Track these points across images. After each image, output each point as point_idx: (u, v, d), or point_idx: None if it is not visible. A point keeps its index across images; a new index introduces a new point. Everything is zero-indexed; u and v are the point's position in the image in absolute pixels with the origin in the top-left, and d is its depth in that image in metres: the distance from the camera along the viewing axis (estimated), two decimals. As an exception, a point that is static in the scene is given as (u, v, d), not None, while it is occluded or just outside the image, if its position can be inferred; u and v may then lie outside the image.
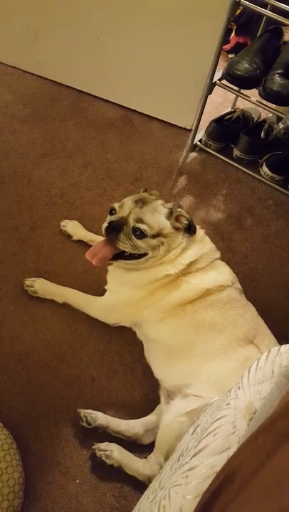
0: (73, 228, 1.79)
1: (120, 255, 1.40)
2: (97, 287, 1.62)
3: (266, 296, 1.79)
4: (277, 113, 2.07)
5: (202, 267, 1.42)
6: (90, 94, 2.38)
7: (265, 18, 2.01)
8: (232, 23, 2.78)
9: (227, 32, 1.95)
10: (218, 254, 1.49)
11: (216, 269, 1.44)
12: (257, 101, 2.05)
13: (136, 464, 1.29)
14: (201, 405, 1.11)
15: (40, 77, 2.41)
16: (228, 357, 1.30)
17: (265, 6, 1.85)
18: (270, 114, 2.31)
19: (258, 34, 2.09)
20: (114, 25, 2.14)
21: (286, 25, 1.82)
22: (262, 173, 2.18)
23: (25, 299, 1.59)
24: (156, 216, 1.39)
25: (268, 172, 2.15)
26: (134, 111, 2.36)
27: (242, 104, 2.40)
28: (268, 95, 1.88)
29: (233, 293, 1.41)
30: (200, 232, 1.49)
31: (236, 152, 2.22)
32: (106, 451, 1.29)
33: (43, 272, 1.67)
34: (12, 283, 1.63)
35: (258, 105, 2.10)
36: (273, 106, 2.01)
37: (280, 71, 1.89)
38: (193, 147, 2.26)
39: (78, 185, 1.99)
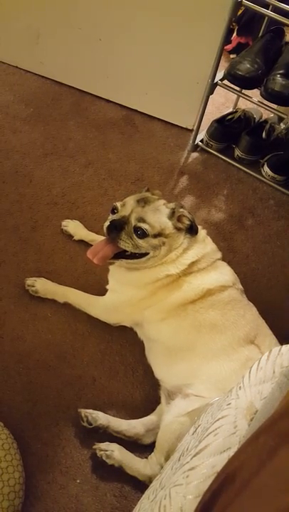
0: (74, 228, 1.79)
1: (121, 254, 1.40)
2: (98, 287, 1.62)
3: (267, 297, 1.79)
4: (279, 113, 2.07)
5: (203, 267, 1.41)
6: (91, 94, 2.38)
7: (266, 18, 2.01)
8: (234, 24, 2.77)
9: (229, 32, 1.95)
10: (219, 254, 1.49)
11: (218, 270, 1.44)
12: (258, 101, 2.05)
13: (136, 464, 1.29)
14: (202, 405, 1.11)
15: (42, 76, 2.41)
16: (229, 357, 1.30)
17: (266, 6, 1.85)
18: (272, 115, 2.31)
19: (260, 34, 2.09)
20: (116, 25, 2.14)
21: (288, 25, 1.82)
22: (263, 174, 2.18)
23: (26, 299, 1.59)
24: (158, 216, 1.39)
25: (270, 172, 2.15)
26: (136, 111, 2.35)
27: (243, 105, 2.40)
28: (270, 95, 1.88)
29: (235, 293, 1.41)
30: (202, 232, 1.49)
31: (238, 152, 2.22)
32: (107, 451, 1.29)
33: (44, 272, 1.67)
34: (13, 283, 1.63)
35: (260, 105, 2.11)
36: (275, 106, 2.01)
37: (281, 71, 1.89)
38: (195, 147, 2.26)
39: (79, 185, 1.99)
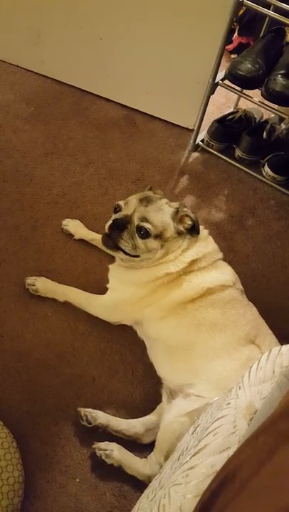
0: (75, 227, 1.79)
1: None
2: (98, 286, 1.62)
3: (267, 297, 1.79)
4: (280, 113, 2.07)
5: (204, 266, 1.42)
6: (92, 94, 2.38)
7: (268, 18, 2.01)
8: (235, 24, 2.77)
9: (230, 32, 1.95)
10: (220, 254, 1.49)
11: (218, 269, 1.44)
12: (259, 101, 2.05)
13: (136, 463, 1.29)
14: (202, 405, 1.11)
15: (43, 76, 2.41)
16: (230, 356, 1.30)
17: (268, 6, 1.85)
18: (273, 115, 2.31)
19: (261, 34, 2.09)
20: (116, 25, 2.14)
21: (289, 25, 1.82)
22: (264, 174, 2.18)
23: (26, 298, 1.59)
24: (161, 215, 1.39)
25: (270, 172, 2.15)
26: (137, 110, 2.35)
27: (244, 105, 2.40)
28: (270, 96, 1.88)
29: (235, 293, 1.41)
30: (204, 231, 1.49)
31: (238, 152, 2.22)
32: (106, 450, 1.29)
33: (44, 271, 1.67)
34: (13, 281, 1.63)
35: (260, 105, 2.11)
36: (275, 106, 2.01)
37: (282, 71, 1.89)
38: (195, 147, 2.26)
39: (80, 185, 1.99)
